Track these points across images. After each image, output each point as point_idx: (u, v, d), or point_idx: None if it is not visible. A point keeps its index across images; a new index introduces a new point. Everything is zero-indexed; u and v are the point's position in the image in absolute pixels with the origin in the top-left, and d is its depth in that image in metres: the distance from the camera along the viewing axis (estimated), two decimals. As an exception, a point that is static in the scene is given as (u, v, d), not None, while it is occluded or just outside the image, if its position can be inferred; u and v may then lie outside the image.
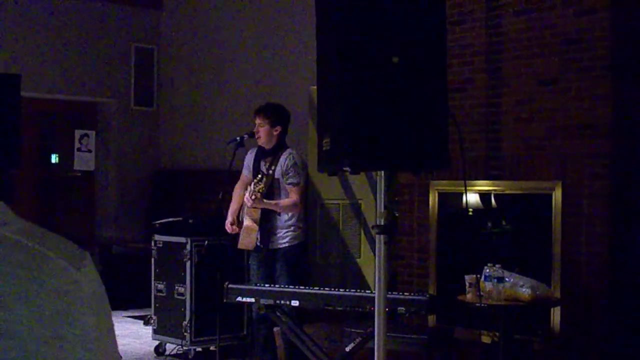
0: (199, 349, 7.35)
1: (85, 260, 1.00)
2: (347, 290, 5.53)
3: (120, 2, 11.04)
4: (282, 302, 5.62)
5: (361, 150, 3.43)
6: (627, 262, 6.16)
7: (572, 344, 6.32)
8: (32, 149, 10.52)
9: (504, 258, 6.10)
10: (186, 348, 7.25)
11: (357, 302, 5.39)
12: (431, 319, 6.96)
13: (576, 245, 6.30)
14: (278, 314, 5.66)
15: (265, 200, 6.11)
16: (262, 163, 6.38)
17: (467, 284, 5.90)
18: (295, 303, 5.58)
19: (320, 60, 3.76)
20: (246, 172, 6.54)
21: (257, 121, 6.35)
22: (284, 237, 6.24)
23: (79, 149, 10.31)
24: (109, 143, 11.15)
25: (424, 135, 3.44)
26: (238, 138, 6.50)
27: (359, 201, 9.02)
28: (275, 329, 6.34)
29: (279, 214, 6.23)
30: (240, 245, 6.30)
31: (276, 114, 6.35)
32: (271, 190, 6.21)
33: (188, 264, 7.22)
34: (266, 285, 5.91)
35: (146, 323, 7.93)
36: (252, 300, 5.76)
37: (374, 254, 4.31)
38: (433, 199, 7.28)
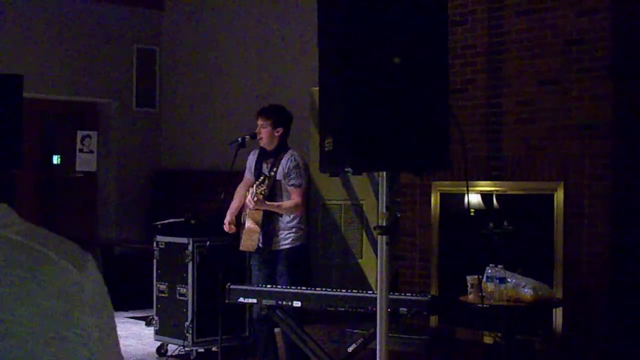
0: (201, 350, 7.35)
1: (87, 262, 1.00)
2: (349, 291, 5.53)
3: (122, 3, 11.05)
4: (284, 302, 5.61)
5: (363, 150, 3.43)
6: (628, 263, 6.16)
7: (574, 344, 6.31)
8: (33, 150, 10.52)
9: (506, 259, 6.10)
10: (188, 349, 7.26)
11: (358, 303, 5.39)
12: (433, 320, 6.96)
13: (578, 246, 6.30)
14: (280, 314, 5.66)
15: (267, 202, 6.11)
16: (264, 165, 6.38)
17: (468, 284, 5.90)
18: (297, 304, 5.58)
19: (321, 61, 3.76)
20: (248, 174, 6.54)
21: (259, 122, 6.35)
22: (285, 239, 6.24)
23: (80, 150, 10.32)
24: (111, 144, 11.16)
25: (425, 135, 3.44)
26: (240, 139, 6.51)
27: (361, 202, 9.02)
28: (276, 329, 6.34)
29: (281, 216, 6.23)
30: (242, 247, 6.30)
31: (278, 115, 6.35)
32: (273, 191, 6.21)
33: (190, 264, 7.22)
34: (268, 286, 5.91)
35: (148, 324, 7.94)
36: (254, 301, 5.76)
37: (376, 255, 4.31)
38: (435, 200, 7.28)
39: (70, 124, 11.04)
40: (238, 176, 6.72)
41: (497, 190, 6.88)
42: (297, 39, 9.33)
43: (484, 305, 5.67)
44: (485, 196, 6.93)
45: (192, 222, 7.54)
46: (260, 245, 6.26)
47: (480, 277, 5.74)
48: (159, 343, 7.57)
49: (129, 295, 8.95)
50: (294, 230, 6.25)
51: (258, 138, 6.38)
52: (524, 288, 5.71)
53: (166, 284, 7.45)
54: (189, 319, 7.18)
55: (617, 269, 6.16)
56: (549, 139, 6.54)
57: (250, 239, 6.22)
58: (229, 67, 10.50)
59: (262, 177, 6.13)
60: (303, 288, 5.71)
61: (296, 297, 5.59)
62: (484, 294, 5.64)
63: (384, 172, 3.64)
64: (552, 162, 6.51)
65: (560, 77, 6.49)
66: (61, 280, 0.96)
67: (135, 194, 11.20)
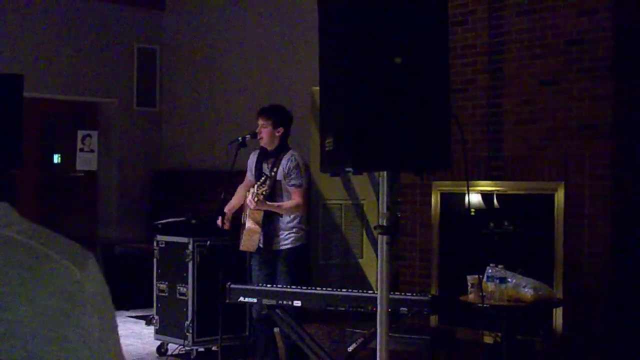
0: (201, 349, 7.35)
1: (88, 261, 1.00)
2: (349, 290, 5.53)
3: (123, 3, 11.05)
4: (285, 302, 5.61)
5: (363, 150, 3.43)
6: (629, 263, 6.16)
7: (574, 344, 6.32)
8: (34, 150, 10.53)
9: (506, 258, 6.10)
10: (188, 348, 7.26)
11: (359, 303, 5.39)
12: (433, 320, 6.97)
13: (578, 246, 6.30)
14: (280, 314, 5.66)
15: (268, 203, 6.11)
16: (264, 165, 6.38)
17: (469, 284, 5.90)
18: (297, 303, 5.58)
19: (322, 61, 3.76)
20: (249, 175, 6.55)
21: (260, 122, 6.35)
22: (286, 239, 6.24)
23: (81, 149, 10.32)
24: (111, 143, 11.16)
25: (426, 135, 3.44)
26: (240, 138, 6.50)
27: (361, 202, 9.03)
28: (275, 329, 6.34)
29: (281, 216, 6.23)
30: (242, 247, 6.30)
31: (279, 115, 6.35)
32: (273, 192, 6.21)
33: (190, 264, 7.22)
34: (268, 285, 5.91)
35: (148, 323, 7.94)
36: (255, 300, 5.77)
37: (376, 255, 4.32)
38: (435, 200, 7.28)
39: (71, 124, 11.05)
40: (238, 176, 6.72)
41: (497, 190, 6.88)
42: (297, 38, 9.33)
43: (485, 305, 5.67)
44: (486, 196, 6.93)
45: (193, 221, 7.54)
46: (261, 245, 6.26)
47: (481, 276, 5.74)
48: (159, 342, 7.57)
49: (129, 294, 8.95)
50: (294, 230, 6.25)
51: (258, 138, 6.38)
52: (525, 288, 5.71)
53: (166, 283, 7.45)
54: (189, 318, 7.18)
55: (617, 269, 6.16)
56: (550, 139, 6.55)
57: (251, 239, 6.22)
58: (229, 66, 10.51)
59: (263, 177, 6.13)
60: (303, 287, 5.71)
61: (296, 296, 5.59)
62: (484, 293, 5.64)
63: (385, 172, 3.64)
64: (552, 162, 6.52)
65: (561, 77, 6.49)
66: (62, 280, 0.96)
67: (136, 193, 11.20)
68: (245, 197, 6.33)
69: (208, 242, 7.01)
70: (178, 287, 7.32)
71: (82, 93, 10.93)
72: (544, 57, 6.61)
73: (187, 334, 7.18)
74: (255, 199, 6.03)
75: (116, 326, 1.05)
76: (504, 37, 6.88)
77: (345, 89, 3.48)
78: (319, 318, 7.55)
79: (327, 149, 3.60)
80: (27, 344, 0.91)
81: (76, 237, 1.14)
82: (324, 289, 5.71)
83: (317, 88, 3.96)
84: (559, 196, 6.43)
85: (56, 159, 11.38)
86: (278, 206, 6.18)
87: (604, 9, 6.22)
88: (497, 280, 5.70)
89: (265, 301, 5.66)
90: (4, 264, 0.93)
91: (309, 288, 5.73)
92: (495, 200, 6.90)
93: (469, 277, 5.93)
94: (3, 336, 0.90)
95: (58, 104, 11.12)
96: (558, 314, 6.39)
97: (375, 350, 3.75)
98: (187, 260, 7.24)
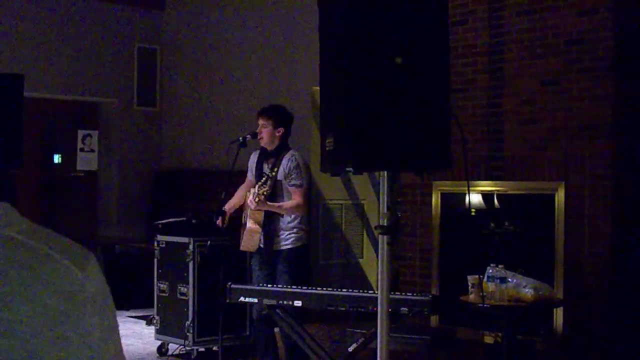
0: (202, 349, 7.35)
1: (89, 261, 1.00)
2: (350, 290, 5.53)
3: (123, 3, 11.05)
4: (285, 302, 5.61)
5: (364, 150, 3.43)
6: (629, 263, 6.16)
7: (575, 344, 6.32)
8: (34, 149, 10.53)
9: (507, 258, 6.11)
10: (189, 348, 7.25)
11: (359, 303, 5.39)
12: (434, 320, 6.97)
13: (578, 246, 6.30)
14: (280, 314, 5.66)
15: (268, 203, 6.11)
16: (265, 165, 6.38)
17: (469, 284, 5.90)
18: (298, 303, 5.58)
19: (322, 61, 3.76)
20: (250, 176, 6.54)
21: (260, 122, 6.34)
22: (286, 239, 6.23)
23: (81, 149, 10.32)
24: (112, 143, 11.16)
25: (426, 135, 3.44)
26: (241, 138, 6.50)
27: (362, 201, 9.03)
28: (276, 329, 6.33)
29: (282, 216, 6.23)
30: (242, 247, 6.30)
31: (279, 115, 6.35)
32: (274, 192, 6.21)
33: (191, 264, 7.22)
34: (268, 285, 5.91)
35: (149, 323, 7.94)
36: (255, 300, 5.77)
37: (377, 255, 4.31)
38: (436, 200, 7.28)
39: (71, 123, 11.05)
40: (238, 176, 6.72)
41: (498, 190, 6.88)
42: (298, 38, 9.33)
43: (485, 305, 5.67)
44: (486, 196, 6.93)
45: (193, 221, 7.54)
46: (261, 245, 6.25)
47: (481, 276, 5.74)
48: (159, 342, 7.57)
49: (129, 294, 8.95)
50: (295, 230, 6.25)
51: (259, 138, 6.38)
52: (525, 288, 5.71)
53: (167, 283, 7.45)
54: (190, 318, 7.18)
55: (617, 269, 6.16)
56: (550, 139, 6.55)
57: (252, 239, 6.22)
58: (229, 66, 10.51)
59: (264, 178, 6.12)
60: (304, 287, 5.71)
61: (297, 296, 5.59)
62: (484, 293, 5.64)
63: (385, 172, 3.64)
64: (553, 162, 6.52)
65: (561, 77, 6.49)
66: (63, 280, 0.96)
67: (136, 193, 11.20)
68: (246, 197, 6.33)
69: (208, 242, 7.01)
70: (178, 287, 7.32)
71: (82, 93, 10.93)
72: (544, 57, 6.61)
73: (188, 334, 7.18)
74: (256, 199, 6.02)
75: (117, 326, 1.05)
76: (504, 37, 6.88)
77: (345, 89, 3.48)
78: (320, 318, 7.55)
79: (327, 148, 3.60)
80: (27, 344, 0.91)
81: (76, 237, 1.14)
82: (325, 289, 5.71)
83: (318, 88, 3.96)
84: (559, 196, 6.43)
85: (56, 158, 11.38)
86: (279, 206, 6.17)
87: (604, 9, 6.22)
88: (498, 280, 5.70)
89: (265, 301, 5.66)
90: (4, 264, 0.93)
91: (310, 288, 5.73)
92: (495, 200, 6.90)
93: (469, 277, 5.93)
94: (3, 336, 0.90)
95: (58, 103, 11.13)
96: (558, 314, 6.39)
97: (375, 350, 3.75)
98: (187, 260, 7.24)
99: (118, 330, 1.05)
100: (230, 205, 6.56)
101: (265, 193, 6.03)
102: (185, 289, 7.25)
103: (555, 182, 6.46)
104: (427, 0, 3.54)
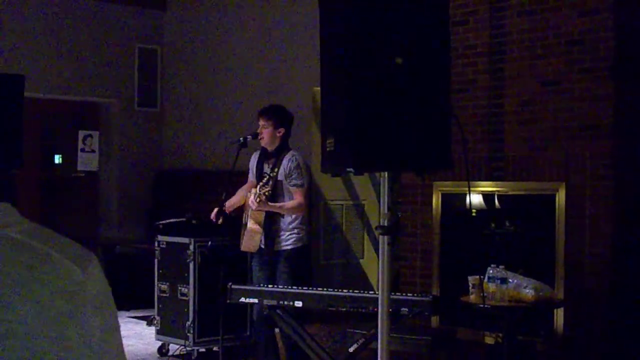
0: (202, 350, 7.35)
1: (90, 261, 1.00)
2: (350, 291, 5.53)
3: (124, 3, 11.05)
4: (286, 302, 5.61)
5: (365, 151, 3.43)
6: (630, 263, 6.16)
7: (575, 344, 6.31)
8: (35, 150, 10.54)
9: (507, 259, 6.10)
10: (189, 349, 7.26)
11: (360, 303, 5.39)
12: (434, 320, 6.96)
13: (579, 246, 6.30)
14: (281, 314, 5.66)
15: (269, 203, 6.11)
16: (265, 165, 6.38)
17: (470, 284, 5.90)
18: (298, 304, 5.58)
19: (323, 61, 3.76)
20: (251, 177, 6.55)
21: (261, 122, 6.34)
22: (287, 240, 6.24)
23: (82, 150, 10.32)
24: (113, 143, 11.16)
25: (427, 136, 3.44)
26: (241, 139, 6.50)
27: (362, 202, 9.04)
28: (276, 330, 6.33)
29: (283, 216, 6.23)
30: (243, 248, 6.30)
31: (280, 116, 6.35)
32: (274, 192, 6.21)
33: (191, 264, 7.22)
34: (269, 285, 5.91)
35: (149, 324, 7.94)
36: (256, 300, 5.77)
37: (377, 255, 4.31)
38: (436, 200, 7.28)
39: (72, 124, 11.05)
40: (239, 176, 6.72)
41: (498, 191, 6.88)
42: (298, 38, 9.33)
43: (486, 306, 5.67)
44: (487, 196, 6.93)
45: (194, 222, 7.54)
46: (262, 246, 6.25)
47: (482, 277, 5.74)
48: (160, 343, 7.57)
49: (130, 295, 8.95)
50: (295, 231, 6.25)
51: (259, 138, 6.38)
52: (526, 288, 5.71)
53: (167, 283, 7.45)
54: (190, 318, 7.18)
55: (618, 270, 6.16)
56: (550, 139, 6.54)
57: (252, 239, 6.22)
58: (230, 66, 10.50)
59: (265, 178, 6.12)
60: (304, 288, 5.71)
61: (297, 297, 5.59)
62: (485, 294, 5.64)
63: (386, 173, 3.64)
64: (553, 162, 6.51)
65: (562, 78, 6.49)
66: (64, 280, 0.96)
67: (137, 193, 11.20)
68: (247, 197, 6.33)
69: (209, 243, 7.01)
70: (179, 288, 7.32)
71: (83, 93, 10.93)
72: (545, 57, 6.60)
73: (188, 334, 7.18)
74: (258, 199, 6.02)
75: (118, 326, 1.05)
76: (505, 37, 6.87)
77: (346, 89, 3.48)
78: (320, 318, 7.54)
79: (328, 149, 3.60)
80: (28, 344, 0.91)
81: (77, 237, 1.14)
82: (325, 289, 5.71)
83: (318, 88, 3.96)
84: (560, 196, 6.43)
85: (57, 159, 11.38)
86: (280, 207, 6.18)
87: (605, 10, 6.22)
88: (498, 281, 5.70)
89: (266, 301, 5.66)
90: (5, 264, 0.93)
91: (310, 288, 5.73)
92: (496, 201, 6.90)
93: (470, 278, 5.93)
94: (5, 336, 0.90)
95: (59, 104, 11.13)
96: (559, 315, 6.39)
97: (376, 350, 3.75)
98: (188, 260, 7.24)
99: (119, 331, 1.05)
100: (230, 203, 6.56)
101: (266, 193, 6.03)
102: (186, 290, 7.25)
103: (556, 182, 6.45)
104: (428, 1, 3.55)
